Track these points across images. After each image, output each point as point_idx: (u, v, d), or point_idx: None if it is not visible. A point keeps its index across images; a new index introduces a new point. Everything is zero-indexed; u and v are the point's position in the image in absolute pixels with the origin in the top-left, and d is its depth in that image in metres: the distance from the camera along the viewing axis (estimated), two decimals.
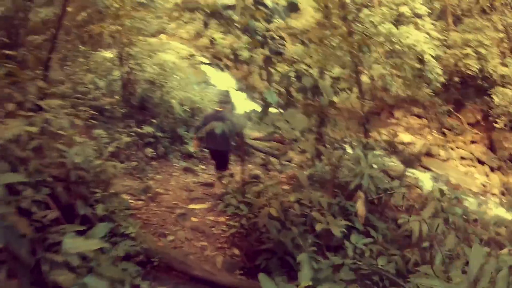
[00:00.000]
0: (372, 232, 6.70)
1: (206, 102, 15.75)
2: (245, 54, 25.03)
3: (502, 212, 17.13)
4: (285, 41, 7.68)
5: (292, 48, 31.55)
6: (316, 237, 6.06)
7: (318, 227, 5.68)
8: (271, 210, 5.78)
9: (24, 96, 6.51)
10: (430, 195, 7.35)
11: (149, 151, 11.51)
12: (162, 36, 31.11)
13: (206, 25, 7.75)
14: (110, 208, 5.57)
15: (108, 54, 14.14)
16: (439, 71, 19.54)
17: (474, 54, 19.83)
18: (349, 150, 9.40)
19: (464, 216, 7.06)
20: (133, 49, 13.16)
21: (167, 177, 11.22)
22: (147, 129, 11.76)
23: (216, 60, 28.06)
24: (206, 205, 8.97)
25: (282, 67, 7.91)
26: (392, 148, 8.66)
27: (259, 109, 18.40)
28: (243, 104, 21.92)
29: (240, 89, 24.59)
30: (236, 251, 7.13)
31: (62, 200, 5.38)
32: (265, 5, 6.47)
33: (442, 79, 19.44)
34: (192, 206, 8.90)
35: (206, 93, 17.80)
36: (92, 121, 11.17)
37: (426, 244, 5.78)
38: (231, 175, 9.46)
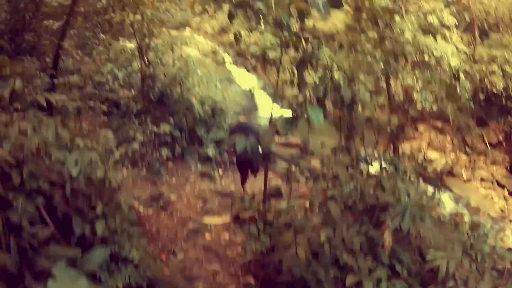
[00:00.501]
0: (397, 265, 5.77)
1: (228, 102, 14.87)
2: (272, 54, 24.18)
3: None
4: (322, 44, 6.68)
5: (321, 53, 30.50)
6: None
7: (349, 281, 4.78)
8: (298, 252, 4.88)
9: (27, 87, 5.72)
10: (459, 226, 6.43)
11: (165, 152, 10.64)
12: (186, 29, 30.29)
13: (232, 16, 6.78)
14: (112, 226, 4.70)
15: (129, 44, 13.36)
16: (468, 86, 18.46)
17: (500, 71, 18.71)
18: (375, 166, 8.40)
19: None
20: (155, 41, 12.31)
21: (182, 181, 10.38)
22: (164, 127, 10.88)
23: (241, 58, 27.33)
24: (222, 220, 8.08)
25: (313, 73, 7.03)
26: (422, 168, 7.67)
27: (285, 113, 17.43)
28: (267, 106, 20.90)
29: (264, 90, 23.64)
30: (251, 280, 6.21)
31: (59, 212, 4.56)
32: None
33: (468, 95, 18.35)
34: (207, 220, 8.03)
35: (228, 92, 16.98)
36: (105, 116, 10.66)
37: (451, 283, 5.32)
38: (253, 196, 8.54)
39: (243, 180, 10.20)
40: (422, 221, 5.48)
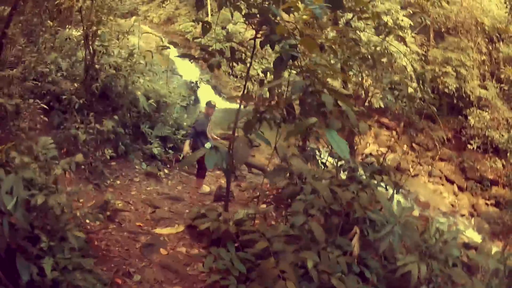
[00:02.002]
0: (366, 272, 5.34)
1: (174, 96, 13.96)
2: (216, 46, 23.14)
3: (471, 234, 16.45)
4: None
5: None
6: None
7: None
8: (288, 285, 4.24)
9: None
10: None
11: (108, 151, 9.67)
12: (132, 18, 29.08)
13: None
14: (61, 263, 3.89)
15: (76, 32, 12.14)
16: (415, 85, 18.55)
17: (453, 72, 18.99)
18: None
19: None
20: (102, 29, 11.20)
21: (128, 184, 9.52)
22: (107, 123, 9.87)
23: (187, 49, 26.54)
24: (175, 230, 7.32)
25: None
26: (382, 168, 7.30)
27: (228, 106, 16.73)
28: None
29: (208, 83, 22.91)
30: None
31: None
32: None
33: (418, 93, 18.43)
34: (158, 231, 7.25)
35: (173, 85, 16.04)
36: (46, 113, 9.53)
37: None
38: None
39: (199, 174, 9.70)
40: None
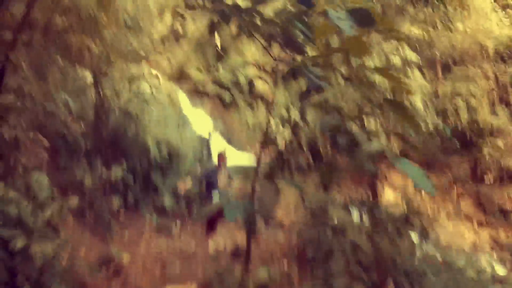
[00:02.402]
0: None
1: (186, 147, 13.23)
2: (228, 97, 22.58)
3: (494, 269, 15.51)
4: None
5: None
6: None
7: None
8: None
9: None
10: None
11: (116, 202, 8.82)
12: (143, 63, 28.70)
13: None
14: None
15: (85, 72, 11.56)
16: (429, 121, 17.92)
17: (464, 105, 18.38)
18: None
19: None
20: (112, 72, 10.65)
21: (136, 238, 8.61)
22: (117, 171, 9.10)
23: (198, 97, 26.15)
24: None
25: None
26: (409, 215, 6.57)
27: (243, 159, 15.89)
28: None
29: (221, 134, 22.21)
30: None
31: None
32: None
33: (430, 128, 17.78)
34: None
35: (185, 135, 15.39)
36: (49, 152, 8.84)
37: None
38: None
39: (210, 235, 8.86)
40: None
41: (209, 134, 20.81)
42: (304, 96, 4.72)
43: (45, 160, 8.39)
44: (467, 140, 19.43)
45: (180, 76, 28.88)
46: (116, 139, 10.64)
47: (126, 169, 9.81)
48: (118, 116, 10.90)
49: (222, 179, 8.98)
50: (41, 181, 4.30)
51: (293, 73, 5.04)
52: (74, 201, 5.94)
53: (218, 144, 20.77)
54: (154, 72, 26.96)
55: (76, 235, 6.69)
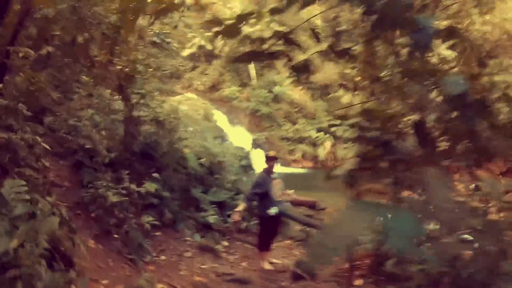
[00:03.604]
0: None
1: (229, 156, 11.66)
2: (265, 109, 21.37)
3: None
4: None
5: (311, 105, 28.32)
6: None
7: None
8: None
9: None
10: None
11: (148, 219, 7.17)
12: (176, 87, 27.96)
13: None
14: None
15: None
16: None
17: (503, 97, 16.43)
18: None
19: None
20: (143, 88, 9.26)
21: (175, 260, 7.02)
22: (149, 186, 7.51)
23: (234, 114, 25.34)
24: None
25: None
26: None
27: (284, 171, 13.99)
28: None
29: (261, 148, 20.99)
30: None
31: None
32: None
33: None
34: None
35: (225, 147, 13.85)
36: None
37: None
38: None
39: (264, 255, 7.20)
40: None
41: (250, 147, 19.45)
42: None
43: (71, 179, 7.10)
44: (507, 134, 17.94)
45: (214, 96, 28.03)
46: (148, 152, 9.15)
47: (161, 183, 8.29)
48: (149, 127, 9.44)
49: (276, 188, 7.24)
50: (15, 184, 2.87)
51: None
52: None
53: (259, 158, 19.27)
54: (187, 94, 26.09)
55: (96, 264, 5.13)
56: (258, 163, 18.65)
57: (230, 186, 10.15)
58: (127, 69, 8.58)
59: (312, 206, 15.14)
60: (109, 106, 9.48)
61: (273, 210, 7.01)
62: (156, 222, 7.60)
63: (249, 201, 7.31)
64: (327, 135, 26.15)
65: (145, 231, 7.17)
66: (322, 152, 25.71)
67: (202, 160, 10.02)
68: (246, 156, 18.60)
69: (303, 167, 24.77)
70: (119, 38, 8.29)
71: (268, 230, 7.28)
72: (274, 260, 7.53)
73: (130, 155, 8.76)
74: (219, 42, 27.50)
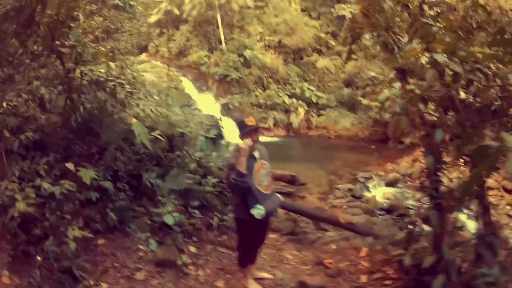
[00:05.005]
0: None
1: (194, 126, 8.99)
2: (235, 74, 19.70)
3: None
4: None
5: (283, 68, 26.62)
6: None
7: None
8: None
9: None
10: None
11: (86, 220, 4.99)
12: (143, 55, 26.35)
13: None
14: None
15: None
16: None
17: None
18: None
19: None
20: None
21: (124, 281, 4.89)
22: (85, 174, 5.27)
23: (202, 81, 24.02)
24: None
25: None
26: None
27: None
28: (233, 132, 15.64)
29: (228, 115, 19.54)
30: None
31: None
32: None
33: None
34: None
35: (191, 113, 11.39)
36: None
37: None
38: None
39: (247, 270, 5.14)
40: None
41: (218, 114, 17.69)
42: None
43: None
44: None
45: (181, 62, 26.44)
46: (91, 127, 6.84)
47: (102, 169, 6.10)
48: (100, 94, 7.00)
49: (261, 175, 4.96)
50: None
51: None
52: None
53: (229, 127, 17.25)
54: (153, 61, 24.54)
55: None
56: (229, 131, 16.61)
57: (195, 167, 7.68)
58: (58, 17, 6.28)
59: (290, 181, 13.16)
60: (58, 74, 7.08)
61: (259, 211, 4.65)
62: (98, 226, 5.46)
63: (234, 192, 5.05)
64: (300, 102, 24.48)
65: (82, 243, 4.99)
66: (296, 119, 24.07)
67: (156, 132, 7.36)
68: (216, 125, 16.35)
69: (275, 136, 23.23)
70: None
71: (252, 238, 5.11)
72: (262, 275, 5.49)
73: (68, 132, 6.52)
74: (188, 5, 25.96)
